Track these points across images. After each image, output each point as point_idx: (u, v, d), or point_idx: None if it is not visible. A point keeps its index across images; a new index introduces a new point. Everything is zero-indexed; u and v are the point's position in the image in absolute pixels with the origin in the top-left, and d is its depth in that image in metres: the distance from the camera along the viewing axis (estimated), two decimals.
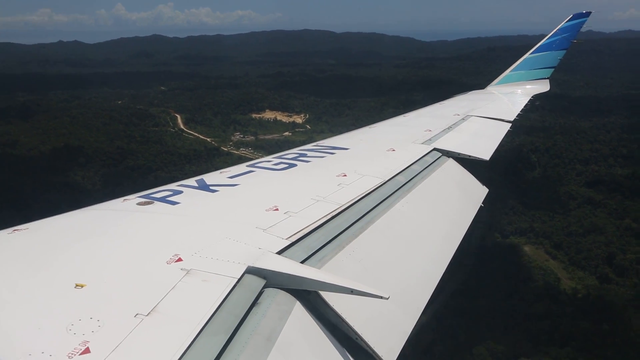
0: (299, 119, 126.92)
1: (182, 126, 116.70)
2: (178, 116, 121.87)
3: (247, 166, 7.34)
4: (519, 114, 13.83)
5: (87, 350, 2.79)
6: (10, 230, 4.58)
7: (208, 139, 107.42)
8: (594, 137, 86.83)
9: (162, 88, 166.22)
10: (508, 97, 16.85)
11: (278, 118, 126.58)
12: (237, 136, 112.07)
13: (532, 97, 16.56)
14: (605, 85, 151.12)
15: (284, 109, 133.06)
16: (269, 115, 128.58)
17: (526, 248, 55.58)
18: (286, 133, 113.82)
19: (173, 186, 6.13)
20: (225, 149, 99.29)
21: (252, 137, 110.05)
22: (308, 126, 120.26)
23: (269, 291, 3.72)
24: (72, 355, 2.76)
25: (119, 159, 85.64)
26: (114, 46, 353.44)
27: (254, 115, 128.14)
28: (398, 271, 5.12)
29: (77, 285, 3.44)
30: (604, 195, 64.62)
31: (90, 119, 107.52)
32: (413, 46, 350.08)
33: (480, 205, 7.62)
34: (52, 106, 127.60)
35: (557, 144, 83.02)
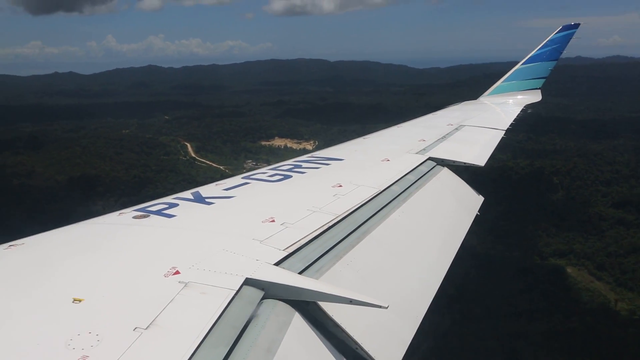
0: (308, 146, 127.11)
1: (193, 154, 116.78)
2: (188, 145, 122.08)
3: (242, 178, 7.28)
4: (511, 123, 13.87)
5: None
6: (6, 245, 4.48)
7: (221, 167, 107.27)
8: (612, 158, 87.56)
9: (166, 117, 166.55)
10: (500, 107, 16.88)
11: (288, 145, 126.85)
12: (250, 163, 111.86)
13: (524, 106, 16.60)
14: (606, 108, 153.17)
15: (292, 136, 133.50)
16: (278, 142, 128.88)
17: (569, 269, 55.26)
18: None
19: (169, 199, 6.07)
20: None
21: (265, 164, 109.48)
22: None
23: (268, 302, 3.69)
24: None
25: (137, 188, 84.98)
26: (110, 77, 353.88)
27: (263, 143, 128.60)
28: (396, 281, 5.11)
29: (74, 300, 3.39)
30: (634, 215, 64.78)
31: (101, 149, 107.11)
32: (407, 74, 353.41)
33: (477, 214, 7.58)
34: (59, 136, 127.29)
35: (577, 166, 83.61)
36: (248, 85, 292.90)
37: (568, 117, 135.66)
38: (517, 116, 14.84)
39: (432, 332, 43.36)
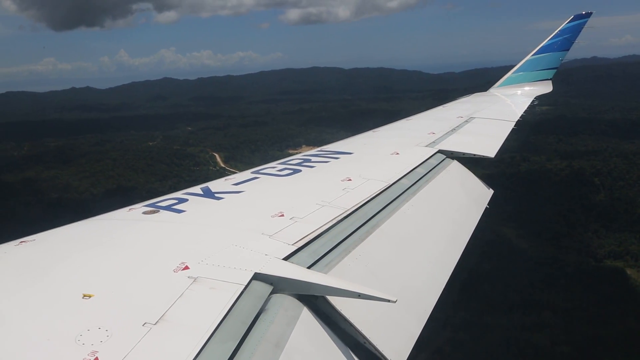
0: None
1: (222, 164, 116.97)
2: (216, 155, 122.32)
3: (251, 173, 7.34)
4: (522, 114, 13.72)
5: None
6: (17, 241, 4.50)
7: None
8: None
9: (189, 128, 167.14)
10: (511, 99, 16.77)
11: None
12: None
13: (534, 98, 16.38)
14: (631, 108, 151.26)
15: (319, 143, 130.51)
16: (306, 150, 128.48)
17: (628, 271, 54.25)
18: None
19: (178, 194, 6.12)
20: None
21: None
22: None
23: (276, 297, 3.71)
24: None
25: None
26: (127, 90, 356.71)
27: (291, 151, 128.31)
28: (405, 274, 5.10)
29: (84, 296, 3.40)
30: None
31: (132, 161, 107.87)
32: (422, 79, 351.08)
33: (486, 207, 7.53)
34: (87, 150, 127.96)
35: (617, 167, 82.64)
36: (265, 95, 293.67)
37: (595, 118, 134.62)
38: (527, 107, 14.66)
39: (494, 335, 42.68)
